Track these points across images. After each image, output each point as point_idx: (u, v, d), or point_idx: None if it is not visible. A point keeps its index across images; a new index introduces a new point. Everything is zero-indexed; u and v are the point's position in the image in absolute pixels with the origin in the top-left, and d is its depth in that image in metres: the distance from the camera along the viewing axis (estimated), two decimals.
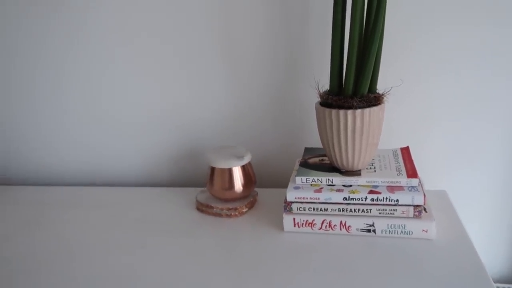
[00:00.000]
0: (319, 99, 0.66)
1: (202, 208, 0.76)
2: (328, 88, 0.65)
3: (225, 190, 0.73)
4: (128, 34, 0.81)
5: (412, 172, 0.63)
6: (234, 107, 0.83)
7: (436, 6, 0.70)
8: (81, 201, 0.83)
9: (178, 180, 0.92)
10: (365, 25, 0.60)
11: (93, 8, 0.80)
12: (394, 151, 0.72)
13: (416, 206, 0.61)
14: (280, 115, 0.82)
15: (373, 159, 0.69)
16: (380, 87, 0.70)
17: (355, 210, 0.63)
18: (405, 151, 0.72)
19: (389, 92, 0.67)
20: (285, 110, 0.81)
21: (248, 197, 0.76)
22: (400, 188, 0.62)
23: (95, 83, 0.86)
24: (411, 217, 0.61)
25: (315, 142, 0.82)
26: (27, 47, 0.85)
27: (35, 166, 0.95)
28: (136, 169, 0.92)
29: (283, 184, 0.87)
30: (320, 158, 0.72)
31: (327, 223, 0.64)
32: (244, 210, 0.74)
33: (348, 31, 0.60)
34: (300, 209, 0.65)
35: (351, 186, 0.64)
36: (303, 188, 0.64)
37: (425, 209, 0.63)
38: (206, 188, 0.78)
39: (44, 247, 0.68)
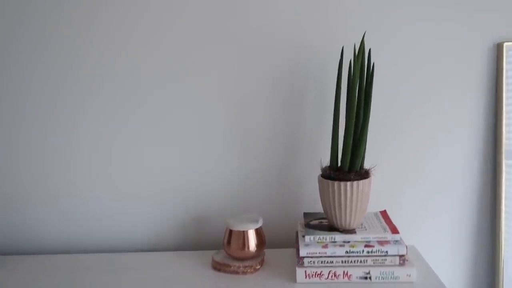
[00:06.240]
0: (321, 173, 0.85)
1: (219, 267, 0.87)
2: (328, 165, 0.84)
3: (240, 250, 0.86)
4: (142, 109, 0.96)
5: (394, 230, 0.82)
6: (241, 180, 0.99)
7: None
8: (101, 267, 0.91)
9: (185, 246, 1.02)
10: (355, 122, 0.81)
11: (103, 79, 0.95)
12: (376, 214, 0.91)
13: (400, 256, 0.78)
14: (280, 185, 0.99)
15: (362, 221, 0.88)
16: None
17: (354, 261, 0.79)
18: (384, 213, 0.91)
19: (374, 168, 0.88)
20: (286, 181, 0.98)
21: (260, 256, 0.89)
22: (387, 242, 0.80)
23: (115, 161, 0.98)
24: (397, 265, 0.78)
25: (310, 208, 0.99)
26: (37, 120, 0.97)
27: (41, 237, 1.01)
28: (144, 236, 1.01)
29: (282, 244, 1.00)
30: (319, 220, 0.89)
31: (332, 273, 0.79)
32: (257, 267, 0.86)
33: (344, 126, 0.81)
34: (310, 262, 0.79)
35: (349, 242, 0.80)
36: (311, 245, 0.80)
37: (406, 259, 0.80)
38: (221, 250, 0.90)
39: None
